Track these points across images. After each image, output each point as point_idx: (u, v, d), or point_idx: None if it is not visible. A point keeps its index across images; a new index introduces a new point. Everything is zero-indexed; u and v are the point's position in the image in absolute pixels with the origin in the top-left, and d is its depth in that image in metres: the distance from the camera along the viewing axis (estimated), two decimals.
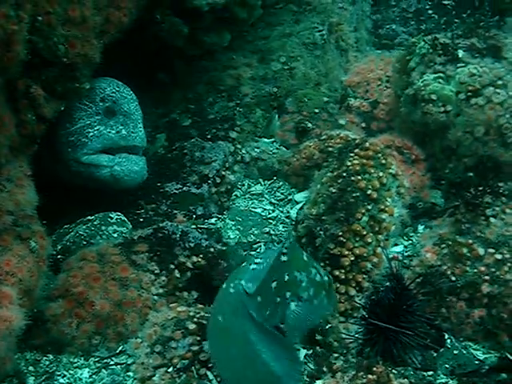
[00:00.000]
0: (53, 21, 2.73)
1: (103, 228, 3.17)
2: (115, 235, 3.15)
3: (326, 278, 2.71)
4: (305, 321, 2.64)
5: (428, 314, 2.84)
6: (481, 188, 3.29)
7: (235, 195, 3.85)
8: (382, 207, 3.20)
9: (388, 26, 5.12)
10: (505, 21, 4.76)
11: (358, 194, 3.20)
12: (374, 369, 2.48)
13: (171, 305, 2.85)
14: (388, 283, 2.87)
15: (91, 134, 3.31)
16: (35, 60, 2.71)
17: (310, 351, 2.82)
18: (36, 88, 2.79)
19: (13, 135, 2.69)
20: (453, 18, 5.02)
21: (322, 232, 3.16)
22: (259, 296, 2.46)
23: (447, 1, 5.11)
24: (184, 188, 3.64)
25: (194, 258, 3.03)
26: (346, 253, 3.07)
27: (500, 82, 3.43)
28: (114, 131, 3.33)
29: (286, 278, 2.56)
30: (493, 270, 2.92)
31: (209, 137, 3.93)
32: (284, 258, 2.57)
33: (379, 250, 3.13)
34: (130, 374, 2.66)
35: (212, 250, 3.12)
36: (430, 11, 5.12)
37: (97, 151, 3.32)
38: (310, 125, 4.07)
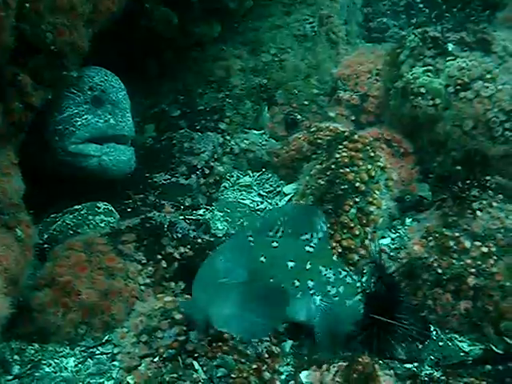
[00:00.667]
0: (40, 8, 2.70)
1: (90, 218, 3.15)
2: (102, 225, 3.14)
3: (359, 284, 2.74)
4: (335, 321, 2.65)
5: (411, 303, 2.86)
6: (468, 181, 3.30)
7: (224, 186, 3.85)
8: (370, 200, 3.21)
9: (379, 20, 5.11)
10: (495, 15, 4.76)
11: (346, 186, 3.21)
12: (360, 360, 2.49)
13: (158, 295, 2.85)
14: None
15: (79, 122, 3.28)
16: (22, 47, 2.68)
17: (297, 342, 2.83)
18: (23, 76, 2.76)
19: None
20: (443, 12, 5.01)
21: None
22: (263, 257, 2.52)
23: None
24: (172, 179, 3.63)
25: (182, 249, 3.02)
26: (334, 245, 3.08)
27: (489, 76, 3.44)
28: (102, 120, 3.31)
29: (308, 266, 2.61)
30: (479, 262, 2.94)
31: (198, 128, 3.92)
32: (309, 249, 2.63)
33: (367, 242, 3.15)
34: (116, 363, 2.66)
35: (200, 241, 3.12)
36: (420, 5, 5.12)
37: (84, 140, 3.30)
38: (299, 117, 4.08)
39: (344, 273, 2.71)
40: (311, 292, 2.65)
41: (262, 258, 2.55)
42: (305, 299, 2.65)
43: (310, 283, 2.63)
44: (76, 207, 3.21)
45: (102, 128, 3.31)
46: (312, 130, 3.81)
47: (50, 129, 3.28)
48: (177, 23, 3.79)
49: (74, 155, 3.30)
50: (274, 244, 2.57)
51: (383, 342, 2.70)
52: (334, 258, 2.74)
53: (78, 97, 3.31)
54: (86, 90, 3.32)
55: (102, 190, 3.43)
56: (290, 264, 2.58)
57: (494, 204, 3.14)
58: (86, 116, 3.30)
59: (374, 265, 2.86)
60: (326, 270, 2.65)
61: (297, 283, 2.61)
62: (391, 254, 3.25)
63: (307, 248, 2.62)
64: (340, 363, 2.50)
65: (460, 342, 2.87)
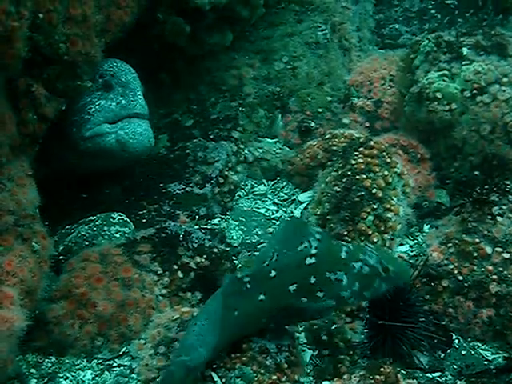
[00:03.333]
0: (54, 18, 2.70)
1: (105, 228, 3.13)
2: (117, 235, 3.12)
3: (377, 265, 2.57)
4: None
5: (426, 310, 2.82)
6: (487, 186, 3.25)
7: (238, 195, 3.82)
8: (388, 206, 3.17)
9: (391, 26, 5.09)
10: (508, 20, 4.73)
11: (363, 192, 3.17)
12: (382, 369, 2.44)
13: (175, 306, 2.82)
14: None
15: (93, 109, 3.32)
16: (36, 58, 2.68)
17: (316, 352, 2.79)
18: (37, 87, 2.76)
19: (14, 134, 2.66)
20: (456, 18, 4.99)
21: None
22: (262, 294, 2.40)
23: (450, 0, 5.08)
24: (187, 188, 3.61)
25: (198, 259, 2.99)
26: None
27: (505, 80, 3.41)
28: (114, 103, 3.33)
29: (313, 280, 2.45)
30: (501, 269, 2.89)
31: (211, 137, 3.90)
32: (310, 261, 2.46)
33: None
34: (134, 375, 2.63)
35: (215, 250, 3.09)
36: (432, 11, 5.09)
37: (99, 124, 3.32)
38: (313, 124, 4.04)
39: (358, 264, 2.53)
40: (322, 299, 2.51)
41: (261, 296, 2.41)
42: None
43: (320, 294, 2.48)
44: (91, 218, 3.19)
45: (115, 110, 3.33)
46: (327, 137, 3.79)
47: (67, 122, 3.28)
48: (189, 32, 3.77)
49: (92, 139, 3.31)
50: (272, 274, 2.42)
51: (394, 348, 2.67)
52: (343, 254, 2.50)
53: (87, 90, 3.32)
54: (96, 79, 3.34)
55: (117, 201, 3.44)
56: (292, 287, 2.44)
57: None
58: (99, 102, 3.33)
59: None
60: (335, 273, 2.49)
61: (304, 300, 2.47)
62: (410, 261, 3.20)
63: (308, 261, 2.45)
64: (361, 372, 2.45)
65: (483, 350, 2.82)
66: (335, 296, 2.51)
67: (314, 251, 2.46)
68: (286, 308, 2.47)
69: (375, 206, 3.14)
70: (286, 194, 3.86)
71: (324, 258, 2.48)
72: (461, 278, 2.91)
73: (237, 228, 3.57)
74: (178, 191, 3.61)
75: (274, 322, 2.52)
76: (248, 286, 2.41)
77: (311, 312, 2.54)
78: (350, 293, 2.53)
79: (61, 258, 3.03)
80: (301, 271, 2.46)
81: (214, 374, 2.46)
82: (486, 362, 2.74)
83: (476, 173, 3.44)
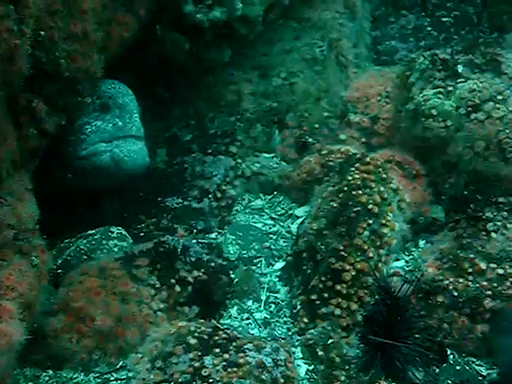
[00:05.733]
0: (55, 35, 2.74)
1: (104, 242, 3.16)
2: (116, 249, 3.14)
3: None
4: None
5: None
6: (481, 203, 3.29)
7: (236, 210, 3.85)
8: (384, 222, 3.20)
9: (387, 43, 5.12)
10: (503, 37, 4.78)
11: (359, 208, 3.20)
12: None
13: (172, 320, 2.84)
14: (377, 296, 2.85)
15: (89, 129, 3.35)
16: (37, 74, 2.71)
17: (312, 367, 2.81)
18: (37, 102, 2.80)
19: (14, 150, 2.69)
20: (452, 35, 5.03)
21: (323, 247, 3.15)
22: None
23: (446, 18, 5.13)
24: (185, 202, 3.64)
25: (195, 273, 3.02)
26: (348, 267, 3.06)
27: (500, 97, 3.44)
28: (110, 124, 3.37)
29: None
30: (495, 284, 2.92)
31: (209, 151, 3.92)
32: None
33: (380, 264, 3.13)
34: None
35: (213, 264, 3.12)
36: (428, 28, 5.14)
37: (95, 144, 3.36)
38: (310, 140, 4.07)
39: None
40: None
41: None
42: None
43: None
44: (89, 232, 3.22)
45: (111, 131, 3.36)
46: (323, 152, 3.82)
47: (64, 141, 3.32)
48: (188, 49, 3.82)
49: (87, 157, 3.34)
50: None
51: (388, 364, 2.68)
52: None
53: (87, 107, 3.36)
54: (94, 100, 3.38)
55: (115, 215, 3.45)
56: None
57: (509, 225, 3.13)
58: (95, 123, 3.37)
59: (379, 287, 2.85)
60: None
61: None
62: (405, 276, 3.23)
63: None
64: None
65: (478, 365, 2.84)
66: None
67: None
68: None
69: (371, 222, 3.17)
70: (282, 208, 3.89)
71: None
72: (456, 293, 2.94)
73: (234, 242, 3.59)
74: (176, 205, 3.63)
75: None
76: None
77: None
78: None
79: (59, 271, 3.05)
80: None
81: None
82: (480, 378, 2.76)
83: (471, 189, 3.47)
